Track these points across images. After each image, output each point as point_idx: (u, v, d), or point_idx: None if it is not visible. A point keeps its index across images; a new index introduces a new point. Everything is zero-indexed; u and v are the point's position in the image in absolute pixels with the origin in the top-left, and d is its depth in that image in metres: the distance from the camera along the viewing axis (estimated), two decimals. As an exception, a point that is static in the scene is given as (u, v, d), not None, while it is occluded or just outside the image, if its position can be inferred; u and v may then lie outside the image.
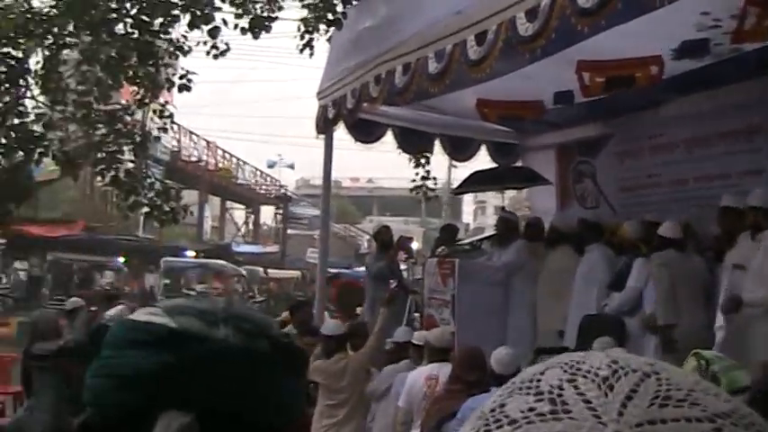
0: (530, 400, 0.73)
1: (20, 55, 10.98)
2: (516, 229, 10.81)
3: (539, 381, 0.75)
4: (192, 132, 43.72)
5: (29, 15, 10.71)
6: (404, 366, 7.96)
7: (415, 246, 15.31)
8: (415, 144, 13.16)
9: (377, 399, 8.12)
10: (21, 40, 10.74)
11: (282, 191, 51.45)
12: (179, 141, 41.58)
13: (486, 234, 16.61)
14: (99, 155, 11.31)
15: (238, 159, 50.43)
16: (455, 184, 23.02)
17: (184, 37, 11.38)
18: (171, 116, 12.35)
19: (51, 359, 8.52)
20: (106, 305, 13.82)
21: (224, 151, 48.65)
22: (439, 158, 14.61)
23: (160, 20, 10.83)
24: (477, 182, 12.31)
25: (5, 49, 10.87)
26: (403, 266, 12.96)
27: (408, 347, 8.28)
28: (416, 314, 11.19)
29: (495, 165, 13.04)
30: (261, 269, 37.27)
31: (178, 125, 36.39)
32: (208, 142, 46.02)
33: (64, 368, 8.66)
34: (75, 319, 10.57)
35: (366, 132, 12.32)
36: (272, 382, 1.09)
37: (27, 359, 8.95)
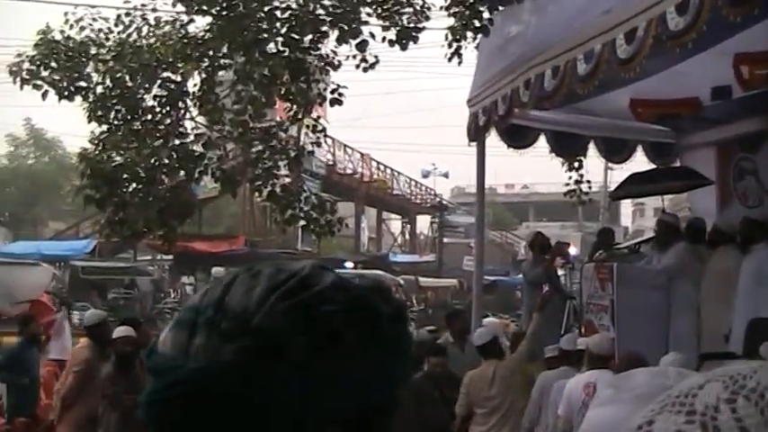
0: (679, 420, 0.66)
1: (178, 78, 11.45)
2: (677, 230, 10.44)
3: (694, 396, 0.67)
4: (346, 145, 44.38)
5: (185, 41, 11.16)
6: (561, 374, 7.82)
7: (572, 251, 15.05)
8: (568, 147, 12.95)
9: (533, 413, 7.97)
10: (179, 65, 11.20)
11: (438, 200, 51.53)
12: (334, 155, 42.27)
13: (646, 237, 16.15)
14: (256, 171, 11.63)
15: (393, 170, 50.85)
16: (612, 187, 22.55)
17: (334, 52, 11.59)
18: (324, 130, 12.58)
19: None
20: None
21: (378, 163, 49.15)
22: (595, 161, 14.35)
23: (309, 37, 11.06)
24: (634, 184, 12.00)
25: (165, 74, 11.35)
26: (560, 272, 12.77)
27: (573, 355, 8.12)
28: (575, 320, 11.00)
29: (652, 166, 12.69)
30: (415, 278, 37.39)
31: (332, 139, 37.04)
32: (362, 154, 46.60)
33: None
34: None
35: (518, 138, 12.21)
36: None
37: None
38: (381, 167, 49.45)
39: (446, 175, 62.60)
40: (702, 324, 9.40)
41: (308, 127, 12.40)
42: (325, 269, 1.04)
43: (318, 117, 12.72)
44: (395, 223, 57.42)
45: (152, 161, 11.07)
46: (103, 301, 28.82)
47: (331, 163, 41.84)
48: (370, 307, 1.01)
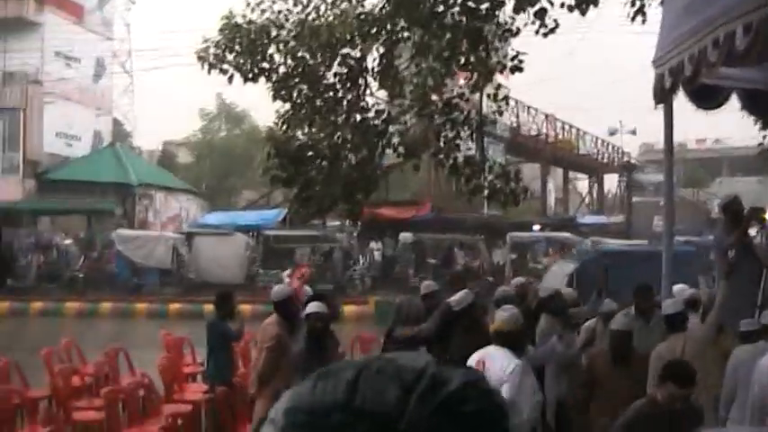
0: None
1: (358, 55, 11.56)
2: None
3: None
4: (529, 107, 43.89)
5: (363, 17, 11.25)
6: (759, 349, 7.39)
7: (768, 214, 14.29)
8: (763, 105, 12.27)
9: (729, 392, 7.52)
10: (357, 41, 11.30)
11: (625, 158, 50.29)
12: (518, 117, 41.91)
13: None
14: (438, 144, 11.63)
15: (578, 129, 49.95)
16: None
17: (512, 18, 11.40)
18: (506, 98, 12.43)
19: (407, 345, 8.84)
20: (455, 288, 14.05)
21: (563, 123, 48.39)
22: (796, 115, 13.59)
23: (486, 5, 10.91)
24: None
25: (344, 51, 11.48)
26: (756, 237, 12.16)
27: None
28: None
29: None
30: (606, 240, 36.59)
31: (516, 101, 36.68)
32: (546, 115, 45.99)
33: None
34: (430, 304, 10.51)
35: (708, 98, 11.59)
36: None
37: (387, 341, 9.31)
38: (566, 127, 48.68)
39: (634, 132, 60.90)
40: None
41: (488, 96, 12.27)
42: (443, 363, 1.02)
43: (499, 86, 12.55)
44: (581, 183, 56.45)
45: (335, 138, 11.25)
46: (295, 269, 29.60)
47: (515, 125, 41.52)
48: (497, 403, 1.01)
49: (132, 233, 34.44)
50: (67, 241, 34.96)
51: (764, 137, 13.24)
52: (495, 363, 6.97)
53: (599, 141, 53.52)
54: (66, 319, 27.66)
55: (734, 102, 12.06)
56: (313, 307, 8.87)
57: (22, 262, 32.68)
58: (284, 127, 11.57)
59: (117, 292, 31.10)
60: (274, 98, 11.73)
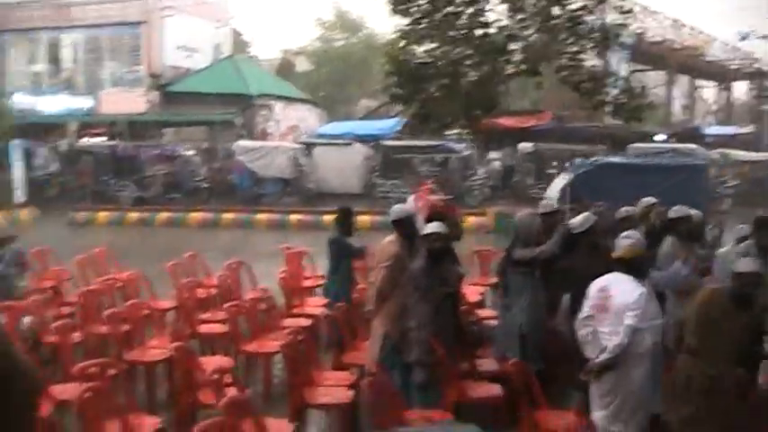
0: None
1: (476, -33, 11.25)
2: None
3: None
4: (655, 12, 42.42)
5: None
6: None
7: None
8: None
9: None
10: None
11: (756, 65, 48.26)
12: (643, 23, 40.54)
13: None
14: (560, 61, 11.31)
15: (707, 35, 48.10)
16: None
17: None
18: (631, 11, 11.98)
19: (527, 266, 8.76)
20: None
21: (691, 28, 46.66)
22: None
23: None
24: None
25: None
26: None
27: None
28: None
29: None
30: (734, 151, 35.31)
31: (641, 6, 35.44)
32: (673, 20, 44.39)
33: (541, 274, 8.88)
34: (550, 223, 10.17)
35: None
36: None
37: (505, 261, 9.23)
38: (694, 33, 46.93)
39: (766, 37, 58.24)
40: None
41: (613, 7, 11.84)
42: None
43: (625, -4, 12.09)
44: (709, 91, 54.56)
45: (455, 54, 11.04)
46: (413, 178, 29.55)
47: (640, 31, 40.21)
48: None
49: (252, 144, 34.85)
50: (190, 152, 35.67)
51: None
52: (619, 290, 6.84)
53: (728, 47, 51.46)
54: (190, 228, 28.44)
55: None
56: (432, 227, 8.80)
57: (148, 173, 33.55)
58: (403, 42, 11.40)
59: (239, 201, 31.73)
60: (393, 12, 11.56)
